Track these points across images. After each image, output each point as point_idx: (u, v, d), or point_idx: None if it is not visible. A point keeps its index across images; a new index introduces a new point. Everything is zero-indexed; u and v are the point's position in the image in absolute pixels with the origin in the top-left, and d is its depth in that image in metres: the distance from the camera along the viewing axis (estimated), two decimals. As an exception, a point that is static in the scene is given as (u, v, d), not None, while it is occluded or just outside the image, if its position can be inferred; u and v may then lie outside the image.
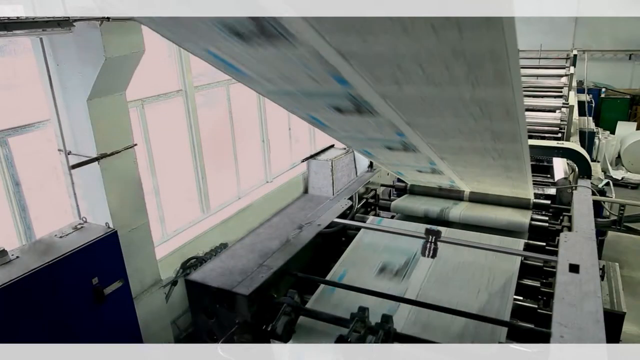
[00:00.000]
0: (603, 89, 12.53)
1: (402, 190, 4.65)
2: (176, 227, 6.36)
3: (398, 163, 3.83)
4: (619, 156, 12.06)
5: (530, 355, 2.33)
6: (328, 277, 3.21)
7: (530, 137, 2.99)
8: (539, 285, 3.13)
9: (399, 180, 4.64)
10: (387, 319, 2.50)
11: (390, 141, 2.92)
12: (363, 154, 3.73)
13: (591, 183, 4.21)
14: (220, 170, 7.31)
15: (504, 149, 2.77)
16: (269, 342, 2.70)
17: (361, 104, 2.16)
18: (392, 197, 4.73)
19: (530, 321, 2.72)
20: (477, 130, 2.37)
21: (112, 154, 4.51)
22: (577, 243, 2.99)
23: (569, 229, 3.37)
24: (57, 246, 3.72)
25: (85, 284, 3.82)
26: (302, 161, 9.13)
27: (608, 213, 5.49)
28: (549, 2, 12.64)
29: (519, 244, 3.48)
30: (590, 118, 8.38)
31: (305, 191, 9.20)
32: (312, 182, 9.12)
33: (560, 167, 4.77)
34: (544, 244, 3.52)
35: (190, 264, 6.10)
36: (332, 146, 9.58)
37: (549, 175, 5.06)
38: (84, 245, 3.76)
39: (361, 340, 2.40)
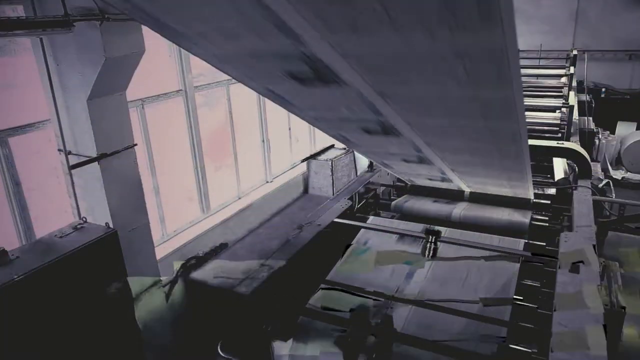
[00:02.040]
0: (603, 89, 12.53)
1: (402, 190, 4.65)
2: (176, 227, 6.36)
3: (411, 172, 4.07)
4: (619, 156, 12.06)
5: (530, 355, 2.34)
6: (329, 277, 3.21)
7: (530, 137, 3.01)
8: (539, 285, 3.13)
9: (399, 180, 4.65)
10: (387, 319, 2.50)
11: (408, 155, 3.26)
12: (380, 164, 4.00)
13: (591, 183, 4.21)
14: (220, 170, 7.30)
15: (508, 166, 3.09)
16: (269, 342, 2.70)
17: (389, 128, 2.51)
18: (392, 197, 4.73)
19: (530, 321, 2.72)
20: (487, 150, 2.70)
21: (112, 154, 4.51)
22: (577, 243, 2.99)
23: (569, 229, 3.37)
24: (57, 246, 3.72)
25: (85, 284, 3.82)
26: (302, 161, 9.13)
27: (608, 213, 5.49)
28: (549, 2, 12.65)
29: (519, 244, 3.48)
30: (590, 118, 8.37)
31: (305, 191, 9.20)
32: (312, 182, 9.11)
33: (560, 167, 4.77)
34: (544, 244, 3.52)
35: (190, 264, 6.10)
36: (332, 146, 9.58)
37: (549, 175, 5.06)
38: (84, 245, 3.76)
39: (361, 340, 2.40)
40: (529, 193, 4.05)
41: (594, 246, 2.96)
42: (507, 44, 1.36)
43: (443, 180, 4.06)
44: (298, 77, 1.95)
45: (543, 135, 5.88)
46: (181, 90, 6.22)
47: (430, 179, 4.17)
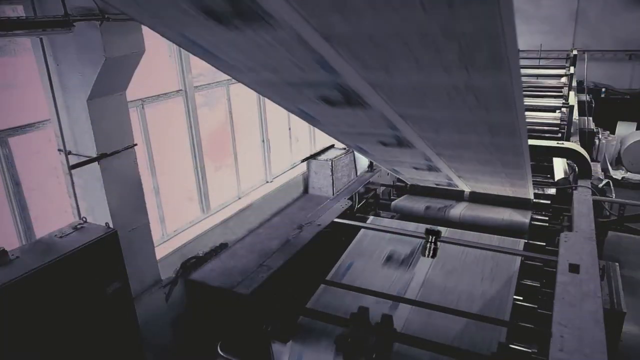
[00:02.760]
0: (603, 89, 12.53)
1: (402, 190, 4.65)
2: (176, 227, 6.36)
3: (420, 178, 4.25)
4: (619, 156, 12.06)
5: (530, 355, 2.34)
6: (329, 275, 3.21)
7: (530, 137, 3.03)
8: (539, 285, 3.13)
9: (399, 180, 4.65)
10: (387, 319, 2.50)
11: (418, 164, 3.49)
12: (390, 170, 4.23)
13: (591, 183, 4.21)
14: (220, 170, 7.30)
15: (510, 172, 3.22)
16: (269, 342, 2.70)
17: (403, 141, 2.77)
18: (392, 197, 4.73)
19: (530, 321, 2.72)
20: (492, 159, 2.91)
21: (112, 154, 4.50)
22: (577, 243, 3.00)
23: (569, 229, 3.37)
24: (57, 246, 3.72)
25: (85, 284, 3.82)
26: (302, 161, 9.12)
27: (608, 213, 5.49)
28: (549, 2, 12.65)
29: (519, 244, 3.49)
30: (590, 118, 8.37)
31: (305, 191, 9.19)
32: (312, 182, 9.11)
33: (560, 167, 4.78)
34: (544, 243, 3.52)
35: (190, 264, 6.10)
36: (332, 146, 9.58)
37: (549, 175, 5.06)
38: (84, 245, 3.76)
39: (361, 340, 2.40)
40: (529, 193, 4.05)
41: (593, 246, 2.96)
42: (513, 81, 1.64)
43: (449, 185, 4.16)
44: (329, 100, 2.21)
45: (543, 135, 5.88)
46: (181, 90, 6.22)
47: (437, 184, 4.30)
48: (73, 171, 4.47)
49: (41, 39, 4.15)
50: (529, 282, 3.14)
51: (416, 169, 3.71)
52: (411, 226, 3.80)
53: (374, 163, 4.79)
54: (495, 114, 2.02)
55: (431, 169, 3.56)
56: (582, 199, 3.83)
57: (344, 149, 9.33)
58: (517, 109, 1.91)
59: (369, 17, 1.37)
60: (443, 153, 3.00)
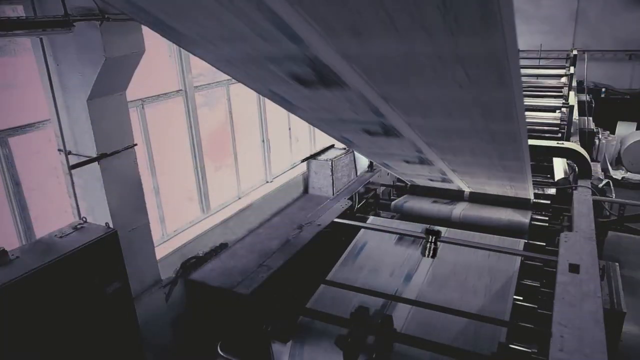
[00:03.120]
0: (603, 89, 12.52)
1: (402, 190, 4.65)
2: (176, 227, 6.36)
3: (412, 173, 4.14)
4: (619, 156, 12.06)
5: (530, 355, 2.34)
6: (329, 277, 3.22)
7: (530, 137, 3.03)
8: (539, 285, 3.13)
9: (399, 180, 4.65)
10: (387, 319, 2.50)
11: (409, 156, 3.36)
12: (381, 164, 4.09)
13: (591, 183, 4.21)
14: (220, 170, 7.30)
15: (508, 165, 3.15)
16: (269, 342, 2.70)
17: (390, 129, 2.70)
18: (392, 197, 4.73)
19: (530, 321, 2.73)
20: (487, 150, 2.80)
21: (112, 154, 4.50)
22: (577, 243, 3.00)
23: (569, 229, 3.37)
24: (57, 246, 3.72)
25: (85, 284, 3.82)
26: (302, 161, 9.12)
27: (608, 213, 5.49)
28: (549, 2, 12.65)
29: (519, 244, 3.49)
30: (590, 118, 8.37)
31: (305, 191, 9.19)
32: (312, 182, 9.11)
33: (560, 167, 4.78)
34: (544, 244, 3.52)
35: (190, 264, 6.10)
36: (332, 146, 9.58)
37: (549, 175, 5.06)
38: (84, 245, 3.76)
39: (361, 340, 2.40)
40: (529, 193, 4.05)
41: (593, 246, 2.96)
42: (508, 47, 1.41)
43: (444, 180, 4.10)
44: (301, 79, 1.99)
45: (543, 135, 5.88)
46: (181, 90, 6.22)
47: (431, 180, 4.21)
48: (73, 171, 4.47)
49: (41, 39, 4.15)
50: (529, 282, 3.14)
51: (408, 162, 3.60)
52: (411, 226, 3.80)
53: (374, 163, 4.78)
54: (488, 91, 1.87)
55: (423, 161, 3.44)
56: (582, 199, 3.83)
57: (344, 149, 9.32)
58: (514, 82, 1.75)
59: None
60: (434, 143, 2.85)
